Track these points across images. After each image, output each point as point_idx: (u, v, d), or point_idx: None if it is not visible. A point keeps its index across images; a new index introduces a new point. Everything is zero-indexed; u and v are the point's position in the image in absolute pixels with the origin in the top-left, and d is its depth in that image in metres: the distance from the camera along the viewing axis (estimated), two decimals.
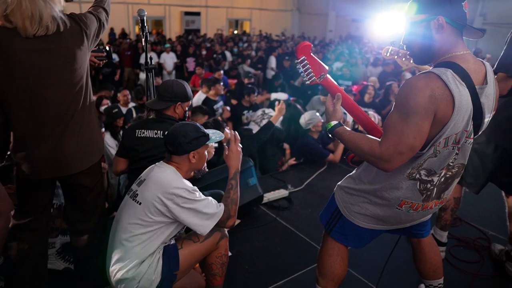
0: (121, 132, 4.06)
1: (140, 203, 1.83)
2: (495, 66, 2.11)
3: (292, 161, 4.66)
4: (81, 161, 1.89)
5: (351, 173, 1.82)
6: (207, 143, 1.97)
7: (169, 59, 10.56)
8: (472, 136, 1.48)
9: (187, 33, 16.51)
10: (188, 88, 2.52)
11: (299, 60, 1.64)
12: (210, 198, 1.90)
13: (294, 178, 4.17)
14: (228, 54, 11.74)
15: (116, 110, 4.06)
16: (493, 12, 12.98)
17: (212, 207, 1.87)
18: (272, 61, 11.08)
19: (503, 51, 2.15)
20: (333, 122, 1.65)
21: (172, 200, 1.78)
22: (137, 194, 1.86)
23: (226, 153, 2.06)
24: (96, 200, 2.05)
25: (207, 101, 5.51)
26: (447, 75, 1.35)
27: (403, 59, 2.20)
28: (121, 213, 1.91)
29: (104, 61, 2.35)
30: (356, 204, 1.73)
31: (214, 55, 11.03)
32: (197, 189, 1.89)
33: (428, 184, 1.54)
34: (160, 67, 10.37)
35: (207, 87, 5.79)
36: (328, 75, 1.68)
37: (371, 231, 1.78)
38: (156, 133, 2.44)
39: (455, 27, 1.44)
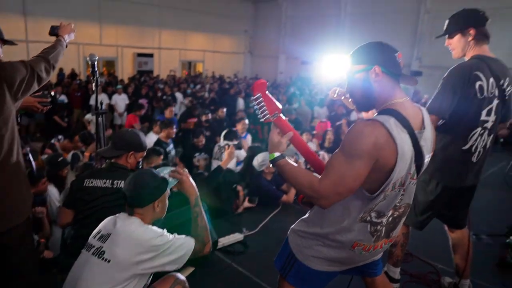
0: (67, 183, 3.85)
1: (109, 261, 1.71)
2: (427, 106, 2.28)
3: (246, 204, 4.63)
4: None
5: (304, 217, 1.83)
6: (168, 188, 1.93)
7: (120, 101, 10.40)
8: (415, 177, 1.56)
9: (140, 74, 16.46)
10: (143, 138, 2.48)
11: (254, 97, 1.69)
12: (177, 236, 1.87)
13: (249, 221, 4.13)
14: (179, 95, 11.75)
15: (61, 159, 3.87)
16: (427, 56, 14.15)
17: (184, 243, 1.85)
18: (240, 103, 11.16)
19: (434, 94, 2.33)
20: (276, 154, 1.67)
21: (150, 253, 1.73)
22: (104, 251, 1.74)
23: (178, 187, 2.03)
24: (22, 264, 1.89)
25: (159, 143, 5.44)
26: (390, 123, 1.43)
27: (349, 99, 2.32)
28: (82, 272, 1.75)
29: (49, 106, 2.27)
30: (310, 247, 1.73)
31: (164, 97, 11.02)
32: (165, 231, 1.84)
33: (378, 226, 1.59)
34: (111, 109, 10.17)
35: (159, 128, 5.76)
36: (281, 115, 1.72)
37: (327, 273, 1.78)
38: (104, 183, 2.35)
39: (391, 76, 1.55)
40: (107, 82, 12.58)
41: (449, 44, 2.46)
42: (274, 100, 1.71)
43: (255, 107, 1.70)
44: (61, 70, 15.13)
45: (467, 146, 2.36)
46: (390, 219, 1.61)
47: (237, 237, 3.65)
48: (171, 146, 5.76)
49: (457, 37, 2.39)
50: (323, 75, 16.27)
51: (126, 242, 1.73)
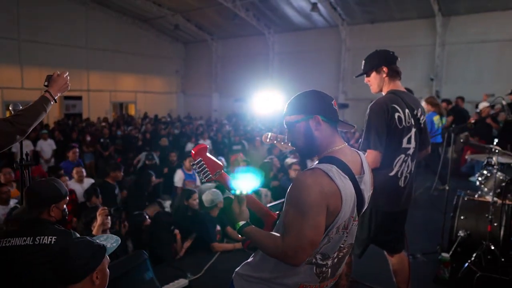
0: None
1: None
2: (360, 146, 2.49)
3: (187, 244, 4.46)
4: None
5: (248, 260, 1.81)
6: (106, 254, 1.74)
7: (46, 147, 9.72)
8: (357, 218, 1.63)
9: (68, 118, 15.64)
10: (60, 185, 2.27)
11: (195, 162, 1.71)
12: None
13: (193, 264, 3.97)
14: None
15: None
16: (352, 90, 15.20)
17: None
18: (189, 147, 10.67)
19: (364, 132, 2.54)
20: (241, 223, 1.66)
21: None
22: None
23: None
24: None
25: (105, 185, 5.40)
26: (333, 171, 1.48)
27: (282, 143, 2.43)
28: None
29: None
30: None
31: (102, 140, 10.53)
32: None
33: (324, 268, 1.61)
34: (36, 156, 9.47)
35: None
36: (223, 171, 1.74)
37: None
38: (24, 240, 2.04)
39: (330, 124, 1.62)
40: None
41: (368, 81, 2.75)
42: (215, 160, 1.75)
43: (196, 170, 1.72)
44: None
45: (393, 172, 2.56)
46: (336, 260, 1.64)
47: (181, 283, 3.48)
48: (118, 189, 5.73)
49: (373, 75, 2.69)
50: (257, 111, 16.71)
51: None
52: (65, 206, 2.27)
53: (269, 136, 2.48)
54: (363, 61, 2.74)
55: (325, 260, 1.59)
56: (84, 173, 5.84)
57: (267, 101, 16.32)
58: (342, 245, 1.62)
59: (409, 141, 2.57)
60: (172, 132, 12.79)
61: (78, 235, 2.19)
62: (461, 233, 4.05)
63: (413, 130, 2.59)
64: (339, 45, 15.55)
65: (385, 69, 2.63)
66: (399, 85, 2.68)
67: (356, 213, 1.60)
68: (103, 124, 14.47)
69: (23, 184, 2.47)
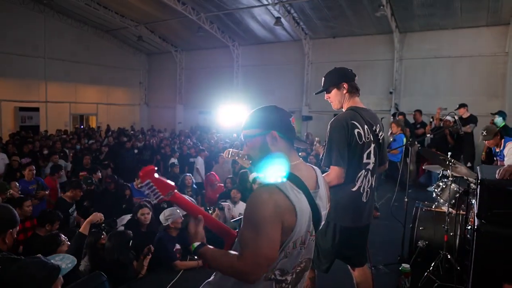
0: None
1: None
2: (323, 162, 2.52)
3: (145, 263, 4.24)
4: None
5: (209, 279, 1.78)
6: (60, 275, 1.69)
7: None
8: (314, 233, 1.64)
9: (24, 130, 14.92)
10: (13, 211, 2.17)
11: (144, 184, 1.66)
12: None
13: (154, 283, 3.86)
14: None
15: None
16: (315, 102, 15.47)
17: None
18: (199, 162, 9.94)
19: (325, 148, 2.57)
20: (196, 244, 1.65)
21: None
22: None
23: None
24: None
25: (61, 203, 5.17)
26: (286, 186, 1.50)
27: (244, 159, 2.42)
28: None
29: None
30: None
31: (62, 153, 10.10)
32: None
33: (283, 283, 1.60)
34: None
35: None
36: (176, 191, 1.71)
37: None
38: None
39: (286, 140, 1.65)
40: None
41: (328, 98, 2.80)
42: (166, 181, 1.70)
43: (146, 192, 1.68)
44: None
45: (355, 188, 2.60)
46: (294, 275, 1.64)
47: None
48: (74, 207, 5.44)
49: (334, 92, 2.75)
50: (221, 124, 16.68)
51: None
52: (15, 233, 2.17)
53: (230, 152, 2.48)
54: (323, 78, 2.80)
55: (284, 276, 1.59)
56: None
57: (232, 114, 16.41)
58: (300, 260, 1.62)
59: (368, 156, 2.63)
60: (135, 145, 12.48)
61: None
62: (420, 244, 4.17)
63: (372, 145, 2.65)
64: (303, 58, 15.86)
65: (345, 85, 2.69)
66: (358, 102, 2.74)
67: (313, 228, 1.61)
68: (64, 136, 13.94)
69: None
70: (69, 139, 13.27)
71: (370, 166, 2.64)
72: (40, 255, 1.71)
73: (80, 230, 3.67)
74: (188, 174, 7.26)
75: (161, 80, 21.31)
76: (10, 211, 2.13)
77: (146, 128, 19.58)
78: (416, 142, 4.52)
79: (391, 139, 7.83)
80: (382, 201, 6.94)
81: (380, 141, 2.74)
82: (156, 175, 1.68)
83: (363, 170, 2.61)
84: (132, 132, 16.88)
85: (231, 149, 2.51)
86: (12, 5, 15.37)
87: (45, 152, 9.90)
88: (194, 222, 1.71)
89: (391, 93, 13.71)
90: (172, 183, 1.71)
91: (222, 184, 7.31)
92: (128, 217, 4.99)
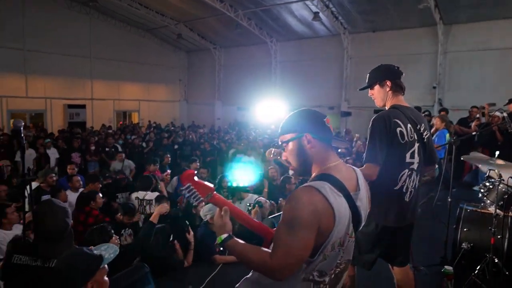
0: None
1: None
2: (364, 159, 2.48)
3: (190, 256, 4.40)
4: None
5: (248, 275, 1.82)
6: (102, 265, 1.77)
7: (50, 155, 9.82)
8: (353, 235, 1.63)
9: (71, 126, 15.73)
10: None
11: (184, 187, 1.73)
12: None
13: (195, 276, 3.97)
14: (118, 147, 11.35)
15: None
16: (355, 98, 15.19)
17: None
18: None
19: (366, 146, 2.54)
20: (223, 236, 1.67)
21: None
22: None
23: None
24: None
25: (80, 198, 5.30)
26: (326, 189, 1.49)
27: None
28: None
29: None
30: None
31: (107, 149, 10.56)
32: None
33: (321, 284, 1.61)
34: (39, 164, 9.54)
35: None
36: (215, 193, 1.77)
37: None
38: (35, 261, 2.06)
39: (322, 141, 1.64)
40: (35, 135, 11.84)
41: (371, 95, 2.76)
42: (206, 183, 1.77)
43: (186, 195, 1.74)
44: None
45: (398, 187, 2.55)
46: (333, 276, 1.65)
47: None
48: None
49: (377, 88, 2.70)
50: (259, 120, 16.75)
51: None
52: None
53: (272, 152, 2.51)
54: (368, 74, 2.76)
55: (322, 277, 1.60)
56: (80, 183, 5.97)
57: (270, 110, 16.42)
58: (338, 261, 1.62)
59: (412, 156, 2.56)
60: (176, 141, 12.81)
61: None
62: (464, 246, 4.02)
63: (416, 145, 2.59)
64: (341, 53, 15.60)
65: (388, 83, 2.65)
66: (402, 100, 2.69)
67: (353, 230, 1.61)
68: (110, 131, 14.53)
69: (24, 199, 2.47)
70: (114, 134, 13.82)
71: (415, 166, 2.58)
72: (83, 247, 1.81)
73: (150, 219, 3.93)
74: (227, 175, 7.40)
75: (200, 77, 21.69)
76: (66, 212, 2.15)
77: (185, 124, 20.03)
78: (460, 141, 4.33)
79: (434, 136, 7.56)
80: (424, 200, 6.73)
81: (425, 140, 2.66)
82: (195, 178, 1.74)
83: (407, 170, 2.55)
84: (172, 128, 17.32)
85: (273, 149, 2.54)
86: (61, 9, 16.24)
87: (92, 148, 10.35)
88: (221, 214, 1.73)
89: (434, 87, 13.22)
90: (211, 185, 1.77)
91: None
92: None
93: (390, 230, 2.64)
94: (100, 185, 5.71)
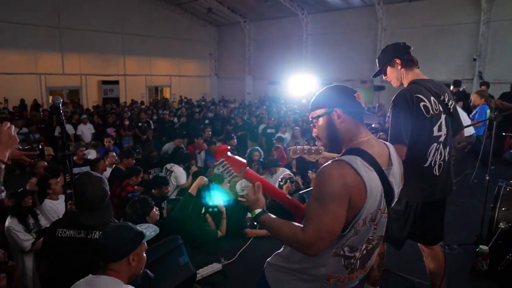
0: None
1: None
2: (388, 139, 2.41)
3: (224, 227, 4.50)
4: None
5: (279, 250, 1.84)
6: (144, 241, 1.88)
7: (86, 131, 10.18)
8: (386, 211, 1.61)
9: (106, 102, 16.18)
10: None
11: (218, 162, 1.76)
12: None
13: (226, 249, 4.07)
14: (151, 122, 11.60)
15: (21, 189, 3.72)
16: None
17: None
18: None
19: (390, 126, 2.46)
20: (257, 210, 1.70)
21: None
22: None
23: None
24: None
25: (117, 172, 5.57)
26: (357, 163, 1.48)
27: (310, 154, 2.42)
28: None
29: (37, 159, 2.18)
30: (286, 282, 1.74)
31: (140, 124, 10.84)
32: None
33: (352, 259, 1.62)
34: (77, 139, 9.92)
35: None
36: (248, 168, 1.78)
37: None
38: (79, 233, 2.17)
39: (353, 116, 1.62)
40: (72, 111, 12.29)
41: (386, 78, 2.68)
42: (238, 158, 1.79)
43: (220, 170, 1.78)
44: (22, 101, 14.69)
45: (427, 163, 2.49)
46: (364, 252, 1.64)
47: (215, 267, 3.58)
48: None
49: (389, 70, 2.66)
50: (290, 94, 16.58)
51: None
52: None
53: (297, 150, 2.49)
54: (377, 60, 2.72)
55: (353, 252, 1.60)
56: (116, 159, 6.18)
57: (301, 84, 16.21)
58: (370, 237, 1.62)
59: (439, 129, 2.49)
60: (206, 115, 12.94)
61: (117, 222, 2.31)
62: (502, 225, 3.89)
63: (443, 116, 2.50)
64: (376, 25, 15.02)
65: (398, 61, 2.58)
66: (419, 73, 2.61)
67: (385, 205, 1.59)
68: (143, 106, 14.83)
69: (65, 173, 2.59)
70: (147, 110, 14.11)
71: (442, 138, 2.51)
72: (128, 222, 1.91)
73: (189, 191, 4.03)
74: (257, 148, 7.42)
75: (230, 51, 21.59)
76: (105, 182, 2.23)
77: (216, 99, 20.15)
78: (502, 117, 4.13)
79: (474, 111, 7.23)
80: (459, 178, 6.53)
81: (451, 110, 2.57)
82: (229, 153, 1.76)
83: (435, 143, 2.48)
84: (203, 103, 17.47)
85: (297, 146, 2.52)
86: None
87: (126, 123, 10.62)
88: (254, 189, 1.75)
89: (474, 60, 12.56)
90: (244, 161, 1.78)
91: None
92: None
93: (421, 206, 2.60)
94: (134, 161, 5.90)
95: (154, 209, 3.61)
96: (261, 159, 6.73)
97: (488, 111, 6.62)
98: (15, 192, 3.68)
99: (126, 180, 4.98)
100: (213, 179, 5.09)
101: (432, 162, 2.51)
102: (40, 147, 2.17)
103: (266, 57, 19.32)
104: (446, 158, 2.57)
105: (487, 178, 4.16)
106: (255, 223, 1.74)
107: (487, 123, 5.63)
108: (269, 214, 1.68)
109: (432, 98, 2.46)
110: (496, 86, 9.38)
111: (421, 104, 2.42)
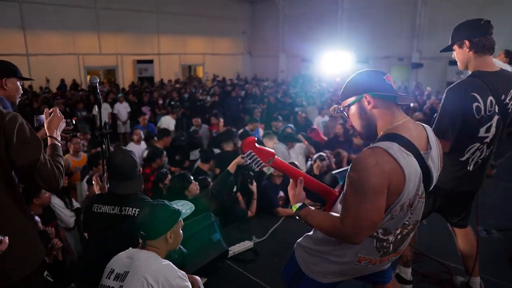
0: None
1: None
2: (433, 126, 2.28)
3: (254, 207, 4.56)
4: None
5: (309, 233, 1.85)
6: (180, 218, 1.94)
7: (122, 109, 10.46)
8: (423, 196, 1.55)
9: (141, 81, 16.51)
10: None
11: (245, 154, 1.77)
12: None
13: (258, 227, 4.13)
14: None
15: None
16: (427, 48, 14.08)
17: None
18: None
19: (436, 117, 2.33)
20: (298, 204, 1.71)
21: None
22: None
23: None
24: None
25: (155, 149, 5.62)
26: (394, 149, 1.41)
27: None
28: None
29: (71, 134, 2.26)
30: (316, 264, 1.76)
31: (172, 102, 11.00)
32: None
33: (384, 243, 1.60)
34: (114, 118, 10.23)
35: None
36: (276, 157, 1.78)
37: (335, 283, 1.81)
38: (113, 209, 2.25)
39: (385, 99, 1.54)
40: (108, 90, 12.64)
41: (454, 57, 2.44)
42: (266, 148, 1.79)
43: (248, 161, 1.78)
44: (62, 81, 15.24)
45: (464, 158, 2.38)
46: (399, 236, 1.62)
47: (247, 245, 3.65)
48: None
49: (456, 50, 2.37)
50: (324, 72, 16.25)
51: (148, 279, 1.70)
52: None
53: (336, 108, 2.42)
54: (452, 33, 2.42)
55: (386, 235, 1.58)
56: (143, 136, 6.40)
57: (335, 61, 15.83)
58: (406, 222, 1.59)
59: (487, 130, 2.30)
60: (239, 94, 12.95)
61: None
62: None
63: (496, 118, 2.29)
64: None
65: (467, 43, 2.28)
66: (489, 64, 2.30)
67: (423, 190, 1.53)
68: (177, 86, 15.01)
69: (103, 152, 2.68)
70: (181, 88, 14.29)
71: (488, 139, 2.34)
72: (165, 201, 1.97)
73: (228, 169, 4.11)
74: (290, 125, 7.38)
75: (263, 29, 21.32)
76: (135, 159, 2.32)
77: (249, 77, 20.08)
78: None
79: None
80: (501, 160, 6.25)
81: (509, 111, 2.32)
82: (256, 144, 1.77)
83: (478, 143, 2.34)
84: (236, 81, 17.46)
85: (336, 105, 2.46)
86: None
87: (160, 101, 10.81)
88: (294, 184, 1.76)
89: None
90: (272, 151, 1.79)
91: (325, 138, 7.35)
92: None
93: (447, 195, 2.52)
94: (171, 138, 6.05)
95: (193, 183, 3.72)
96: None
97: None
98: None
99: (149, 163, 5.13)
100: None
101: (470, 159, 2.39)
102: (74, 122, 2.25)
103: (300, 34, 18.94)
104: (486, 157, 2.43)
105: None
106: (296, 217, 1.74)
107: None
108: (309, 207, 1.69)
109: (489, 98, 2.24)
110: None
111: (474, 104, 2.21)
